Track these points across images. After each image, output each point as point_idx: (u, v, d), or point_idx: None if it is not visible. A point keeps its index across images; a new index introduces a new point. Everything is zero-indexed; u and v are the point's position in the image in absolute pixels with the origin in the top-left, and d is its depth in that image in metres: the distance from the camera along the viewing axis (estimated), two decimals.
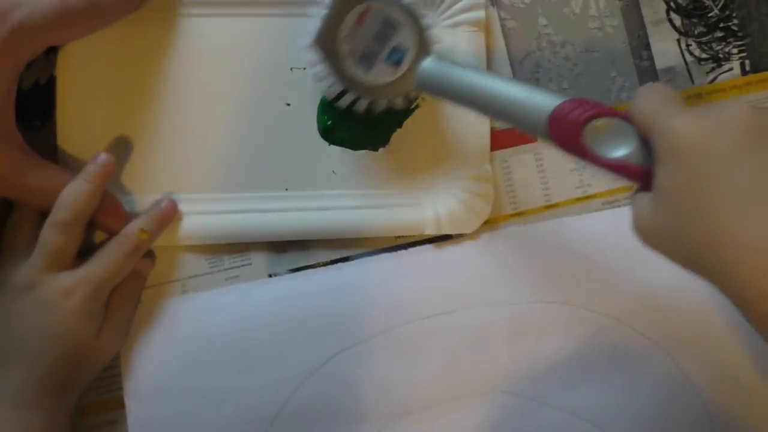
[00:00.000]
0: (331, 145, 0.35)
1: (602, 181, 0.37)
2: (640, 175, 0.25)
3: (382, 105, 0.33)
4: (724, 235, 0.21)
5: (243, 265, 0.35)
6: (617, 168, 0.26)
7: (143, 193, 0.35)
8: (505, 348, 0.36)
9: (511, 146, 0.37)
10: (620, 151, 0.25)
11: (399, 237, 0.36)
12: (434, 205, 0.36)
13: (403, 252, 0.36)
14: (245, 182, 0.35)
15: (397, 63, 0.31)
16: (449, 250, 0.36)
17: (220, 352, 0.35)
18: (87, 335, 0.31)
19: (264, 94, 0.35)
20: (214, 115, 0.35)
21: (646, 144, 0.25)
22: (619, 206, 0.37)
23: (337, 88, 0.32)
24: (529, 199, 0.37)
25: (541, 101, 0.27)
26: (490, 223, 0.36)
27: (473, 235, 0.36)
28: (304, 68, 0.35)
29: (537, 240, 0.37)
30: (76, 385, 0.32)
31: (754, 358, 0.37)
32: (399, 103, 0.33)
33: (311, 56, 0.31)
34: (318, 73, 0.32)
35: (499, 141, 0.36)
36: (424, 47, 0.32)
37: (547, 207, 0.37)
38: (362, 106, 0.33)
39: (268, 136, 0.35)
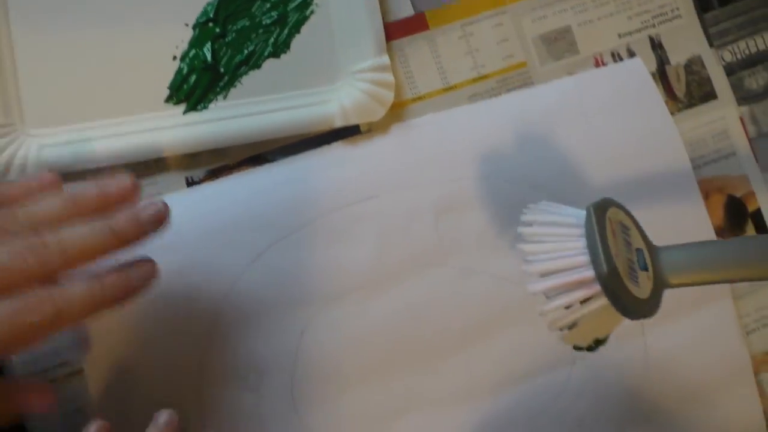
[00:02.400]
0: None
1: (495, 62, 0.40)
2: None
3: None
4: None
5: (160, 171, 0.37)
6: None
7: (54, 125, 0.36)
8: (433, 225, 0.38)
9: (406, 35, 0.39)
10: None
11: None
12: (339, 99, 0.38)
13: (325, 148, 0.38)
14: (150, 102, 0.37)
15: (645, 267, 0.27)
16: (369, 143, 0.38)
17: (158, 258, 0.36)
18: None
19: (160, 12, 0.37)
20: (115, 38, 0.37)
21: None
22: (512, 83, 0.40)
23: (593, 333, 0.28)
24: (428, 83, 0.39)
25: None
26: (394, 110, 0.38)
27: (385, 127, 0.38)
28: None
29: (451, 125, 0.39)
30: None
31: (669, 209, 0.40)
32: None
33: (580, 304, 0.26)
34: (576, 329, 0.27)
35: (393, 31, 0.38)
36: (648, 242, 0.28)
37: (446, 89, 0.39)
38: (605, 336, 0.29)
39: (169, 54, 0.37)
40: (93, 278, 0.29)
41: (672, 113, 0.41)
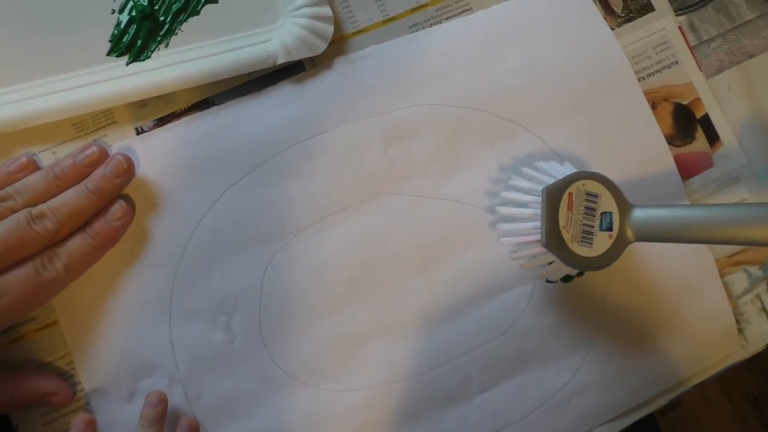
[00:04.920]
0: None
1: None
2: None
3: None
4: None
5: (109, 124, 0.37)
6: None
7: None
8: (382, 154, 0.39)
9: None
10: None
11: (252, 73, 0.38)
12: (280, 36, 0.38)
13: (271, 88, 0.38)
14: (93, 57, 0.37)
15: (609, 228, 0.34)
16: (314, 80, 0.39)
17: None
18: None
19: None
20: None
21: None
22: (451, 12, 0.41)
23: (554, 271, 0.35)
24: (367, 16, 0.40)
25: None
26: (336, 44, 0.39)
27: (328, 63, 0.39)
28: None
29: (393, 55, 0.39)
30: None
31: (617, 120, 0.41)
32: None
33: (528, 253, 0.35)
34: (533, 264, 0.35)
35: None
36: (623, 204, 0.34)
37: (385, 21, 0.40)
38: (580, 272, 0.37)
39: (107, 8, 0.37)
40: (81, 231, 0.34)
41: (611, 28, 0.42)
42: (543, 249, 0.34)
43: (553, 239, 0.33)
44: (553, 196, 0.34)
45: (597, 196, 0.34)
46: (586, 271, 0.36)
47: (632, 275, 0.40)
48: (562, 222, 0.33)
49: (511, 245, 0.36)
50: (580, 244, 0.33)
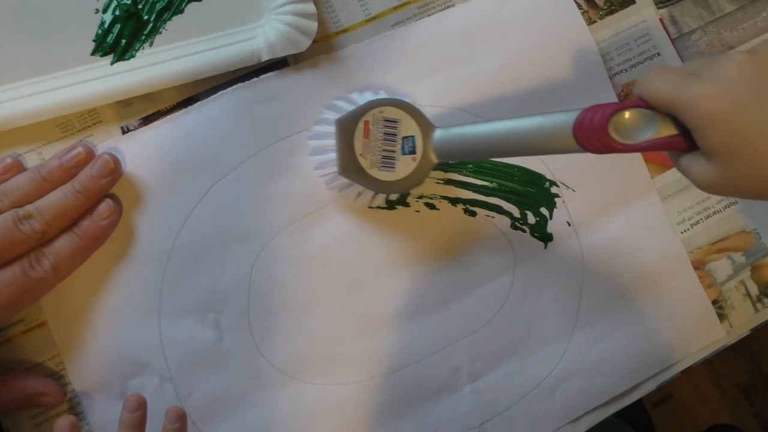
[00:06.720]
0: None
1: None
2: (675, 144, 0.29)
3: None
4: None
5: (94, 124, 0.37)
6: (653, 146, 0.29)
7: None
8: (365, 149, 0.39)
9: None
10: (648, 133, 0.29)
11: (237, 71, 0.38)
12: (264, 33, 0.38)
13: (254, 81, 0.38)
14: (77, 57, 0.37)
15: (412, 151, 0.35)
16: (297, 75, 0.39)
17: None
18: None
19: None
20: None
21: (669, 117, 0.29)
22: (433, 8, 0.41)
23: (372, 196, 0.36)
24: (350, 16, 0.40)
25: (560, 121, 0.30)
26: (319, 44, 0.39)
27: (313, 60, 0.39)
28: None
29: (375, 53, 0.40)
30: None
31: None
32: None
33: (341, 182, 0.36)
34: (353, 192, 0.36)
35: None
36: (425, 127, 0.35)
37: (368, 20, 0.40)
38: (395, 195, 0.38)
39: (91, 8, 0.37)
40: (68, 231, 0.34)
41: (593, 21, 0.42)
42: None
43: (349, 167, 0.34)
44: (346, 125, 0.34)
45: (396, 122, 0.35)
46: (393, 193, 0.37)
47: (606, 267, 0.41)
48: (359, 150, 0.34)
49: (324, 177, 0.37)
50: (380, 169, 0.34)
